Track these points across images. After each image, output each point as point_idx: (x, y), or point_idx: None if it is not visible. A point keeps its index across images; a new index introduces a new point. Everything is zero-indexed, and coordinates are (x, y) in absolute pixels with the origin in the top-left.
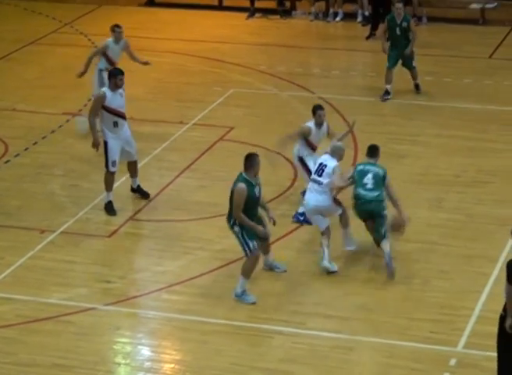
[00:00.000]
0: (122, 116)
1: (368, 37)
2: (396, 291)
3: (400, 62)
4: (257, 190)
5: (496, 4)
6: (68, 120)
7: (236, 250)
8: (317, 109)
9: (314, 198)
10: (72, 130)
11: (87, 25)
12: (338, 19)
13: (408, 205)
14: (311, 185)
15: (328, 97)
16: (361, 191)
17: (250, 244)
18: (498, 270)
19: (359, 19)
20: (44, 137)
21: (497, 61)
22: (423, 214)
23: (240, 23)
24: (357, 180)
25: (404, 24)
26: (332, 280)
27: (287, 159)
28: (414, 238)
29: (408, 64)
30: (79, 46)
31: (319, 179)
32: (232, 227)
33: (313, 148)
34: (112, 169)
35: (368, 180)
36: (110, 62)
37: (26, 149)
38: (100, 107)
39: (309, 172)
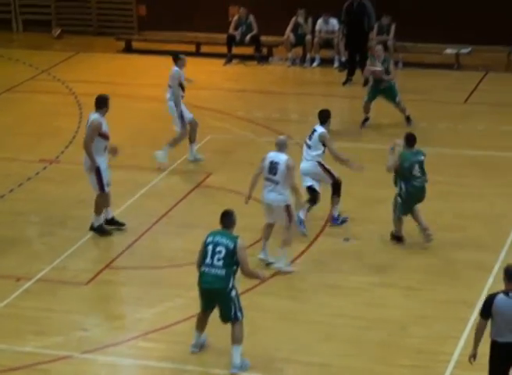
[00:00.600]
0: (109, 139)
1: (344, 83)
2: (375, 337)
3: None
4: None
5: (470, 49)
6: (45, 167)
7: None
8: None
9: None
10: (48, 177)
11: (65, 72)
12: (315, 64)
13: (386, 251)
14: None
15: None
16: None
17: (242, 308)
18: (476, 315)
19: (336, 64)
20: (20, 185)
21: (472, 106)
22: (402, 259)
23: (218, 69)
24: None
25: (385, 65)
26: (311, 327)
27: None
28: (392, 283)
29: (391, 98)
30: (56, 93)
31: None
32: (230, 292)
33: None
34: (106, 189)
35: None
36: (183, 88)
37: (3, 196)
38: (97, 134)
39: None
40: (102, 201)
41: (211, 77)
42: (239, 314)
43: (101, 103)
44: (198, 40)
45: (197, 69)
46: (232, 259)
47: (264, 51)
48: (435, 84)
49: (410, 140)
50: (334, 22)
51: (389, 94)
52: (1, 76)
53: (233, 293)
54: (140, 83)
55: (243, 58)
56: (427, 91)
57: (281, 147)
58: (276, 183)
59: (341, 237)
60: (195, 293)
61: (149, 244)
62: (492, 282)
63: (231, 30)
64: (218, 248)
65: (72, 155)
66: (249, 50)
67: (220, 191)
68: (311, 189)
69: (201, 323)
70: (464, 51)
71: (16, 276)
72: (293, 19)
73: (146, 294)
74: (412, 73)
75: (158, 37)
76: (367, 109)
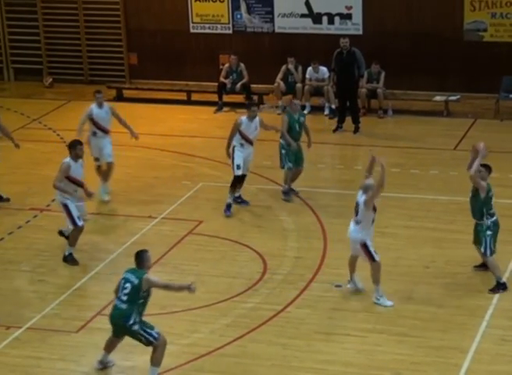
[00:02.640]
0: (81, 185)
1: (335, 130)
2: None
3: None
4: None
5: (459, 96)
6: (36, 216)
7: (205, 344)
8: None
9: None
10: (38, 226)
11: (56, 120)
12: (305, 112)
13: None
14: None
15: (297, 189)
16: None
17: (153, 333)
18: (469, 361)
19: (326, 112)
20: (10, 233)
21: (462, 152)
22: (393, 304)
23: (209, 116)
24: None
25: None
26: (304, 374)
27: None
28: (384, 330)
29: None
30: (47, 142)
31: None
32: (130, 327)
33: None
34: (79, 223)
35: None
36: (98, 127)
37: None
38: (64, 177)
39: None
40: (76, 234)
41: (202, 125)
42: (151, 339)
43: (70, 147)
44: (189, 88)
45: (189, 118)
46: (137, 295)
47: (255, 98)
48: (425, 131)
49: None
50: (324, 70)
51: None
52: None
53: (136, 327)
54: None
55: (234, 105)
56: (417, 138)
57: (366, 189)
58: (358, 222)
59: (333, 283)
60: (187, 340)
61: None
62: (486, 327)
63: (222, 78)
64: (126, 284)
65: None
66: (240, 98)
67: (212, 239)
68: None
69: (109, 346)
70: (453, 98)
71: (6, 324)
72: (284, 67)
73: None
74: (402, 120)
75: (149, 86)
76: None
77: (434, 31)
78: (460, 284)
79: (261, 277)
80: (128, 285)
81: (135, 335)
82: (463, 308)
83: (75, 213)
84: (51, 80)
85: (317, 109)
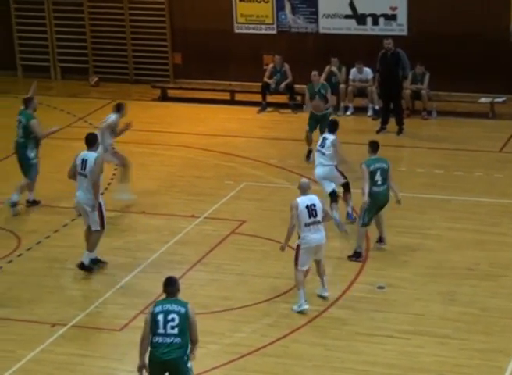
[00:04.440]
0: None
1: (378, 131)
2: None
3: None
4: None
5: (504, 98)
6: (80, 214)
7: (247, 344)
8: None
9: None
10: (83, 224)
11: (101, 119)
12: (348, 113)
13: (421, 299)
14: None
15: (340, 190)
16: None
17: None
18: None
19: (369, 113)
20: (56, 231)
21: (507, 155)
22: (436, 308)
23: (252, 117)
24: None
25: (322, 92)
26: None
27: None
28: (427, 331)
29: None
30: None
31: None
32: (186, 363)
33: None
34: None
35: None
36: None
37: (39, 243)
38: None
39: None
40: (99, 237)
41: (245, 125)
42: None
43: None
44: (233, 88)
45: (231, 117)
46: (185, 325)
47: (299, 99)
48: (469, 133)
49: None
50: (368, 71)
51: (325, 123)
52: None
53: (190, 364)
54: (175, 131)
55: (278, 106)
56: (462, 140)
57: (305, 190)
58: (319, 222)
59: (375, 284)
60: (229, 340)
61: (183, 290)
62: None
63: (266, 78)
64: (170, 316)
65: (109, 201)
66: (283, 98)
67: (254, 239)
68: (334, 192)
69: None
70: (499, 99)
71: (51, 322)
72: (327, 67)
73: None
74: (446, 122)
75: (193, 86)
76: (309, 141)
77: (479, 32)
78: (504, 287)
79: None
80: (174, 316)
81: (184, 372)
82: (507, 310)
83: (105, 215)
84: (97, 79)
85: (360, 110)
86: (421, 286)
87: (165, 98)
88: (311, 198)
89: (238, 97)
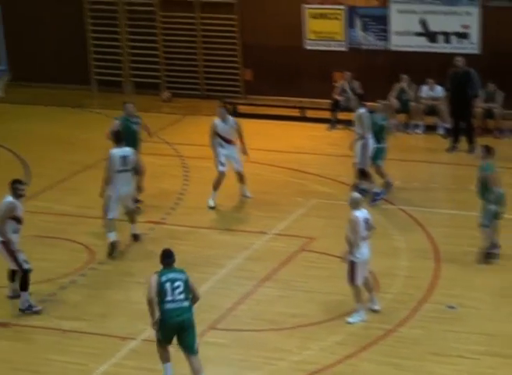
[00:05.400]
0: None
1: (448, 150)
2: None
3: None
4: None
5: None
6: (152, 228)
7: (315, 362)
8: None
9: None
10: (154, 239)
11: (172, 134)
12: (419, 130)
13: (494, 319)
14: None
15: (409, 209)
16: None
17: None
18: None
19: (440, 131)
20: (128, 245)
21: None
22: (509, 328)
23: (322, 134)
24: None
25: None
26: None
27: None
28: (499, 352)
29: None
30: (163, 155)
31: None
32: (193, 322)
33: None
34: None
35: None
36: (223, 138)
37: (113, 257)
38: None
39: None
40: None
41: (315, 142)
42: (196, 346)
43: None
44: (302, 104)
45: (301, 134)
46: (188, 289)
47: None
48: None
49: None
50: (439, 89)
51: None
52: None
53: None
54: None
55: (348, 123)
56: None
57: (359, 204)
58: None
59: (446, 304)
60: (297, 357)
61: (252, 306)
62: None
63: (336, 95)
64: (175, 284)
65: (178, 217)
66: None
67: (322, 256)
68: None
69: (167, 354)
70: None
71: (122, 335)
72: (397, 85)
73: (249, 357)
74: None
75: (263, 102)
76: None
77: None
78: None
79: (372, 296)
80: (180, 283)
81: (194, 332)
82: None
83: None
84: (169, 94)
85: (431, 128)
86: (493, 306)
87: (235, 113)
88: (365, 212)
89: (308, 113)
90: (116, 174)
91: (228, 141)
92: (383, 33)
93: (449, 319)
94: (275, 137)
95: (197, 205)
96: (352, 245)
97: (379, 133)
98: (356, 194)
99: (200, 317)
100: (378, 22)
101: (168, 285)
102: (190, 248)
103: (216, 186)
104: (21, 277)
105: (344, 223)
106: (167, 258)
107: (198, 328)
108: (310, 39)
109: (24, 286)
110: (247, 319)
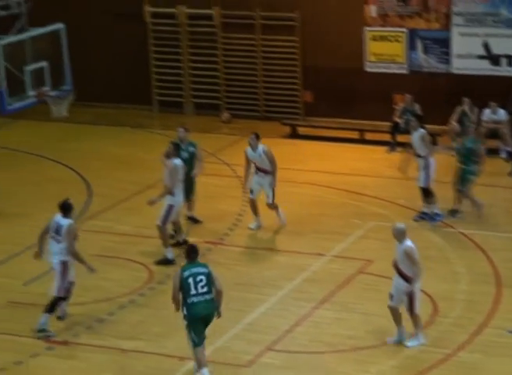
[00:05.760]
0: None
1: (510, 174)
2: None
3: None
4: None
5: None
6: (210, 249)
7: None
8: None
9: None
10: (213, 259)
11: (230, 155)
12: None
13: None
14: None
15: (470, 232)
16: None
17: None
18: None
19: (502, 155)
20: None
21: None
22: None
23: (381, 156)
24: None
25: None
26: None
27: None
28: None
29: None
30: (222, 176)
31: None
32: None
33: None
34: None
35: None
36: (257, 167)
37: (168, 276)
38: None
39: None
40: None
41: (373, 164)
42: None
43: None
44: (362, 127)
45: (360, 156)
46: (210, 282)
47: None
48: None
49: None
50: (502, 112)
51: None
52: None
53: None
54: (303, 168)
55: (407, 146)
56: None
57: (405, 235)
58: None
59: (507, 329)
60: None
61: (309, 328)
62: None
63: (396, 118)
64: (198, 278)
65: (237, 238)
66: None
67: (380, 279)
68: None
69: (204, 357)
70: None
71: (180, 355)
72: (459, 108)
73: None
74: None
75: (323, 124)
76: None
77: None
78: None
79: (430, 320)
80: (202, 277)
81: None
82: None
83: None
84: (229, 115)
85: (493, 152)
86: None
87: (294, 135)
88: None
89: (367, 136)
90: (179, 184)
91: (260, 169)
92: (445, 56)
93: (509, 344)
94: (334, 159)
95: None
96: (413, 276)
97: (467, 156)
98: (400, 224)
99: (258, 338)
100: (440, 44)
101: (191, 280)
102: (248, 269)
103: (252, 211)
104: (53, 300)
105: None
106: (192, 253)
107: (255, 349)
108: (370, 61)
109: (51, 309)
110: (304, 341)
